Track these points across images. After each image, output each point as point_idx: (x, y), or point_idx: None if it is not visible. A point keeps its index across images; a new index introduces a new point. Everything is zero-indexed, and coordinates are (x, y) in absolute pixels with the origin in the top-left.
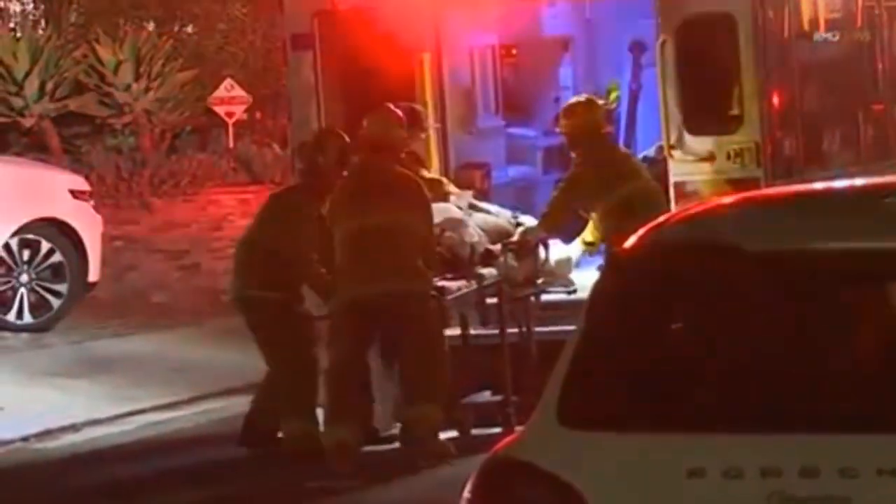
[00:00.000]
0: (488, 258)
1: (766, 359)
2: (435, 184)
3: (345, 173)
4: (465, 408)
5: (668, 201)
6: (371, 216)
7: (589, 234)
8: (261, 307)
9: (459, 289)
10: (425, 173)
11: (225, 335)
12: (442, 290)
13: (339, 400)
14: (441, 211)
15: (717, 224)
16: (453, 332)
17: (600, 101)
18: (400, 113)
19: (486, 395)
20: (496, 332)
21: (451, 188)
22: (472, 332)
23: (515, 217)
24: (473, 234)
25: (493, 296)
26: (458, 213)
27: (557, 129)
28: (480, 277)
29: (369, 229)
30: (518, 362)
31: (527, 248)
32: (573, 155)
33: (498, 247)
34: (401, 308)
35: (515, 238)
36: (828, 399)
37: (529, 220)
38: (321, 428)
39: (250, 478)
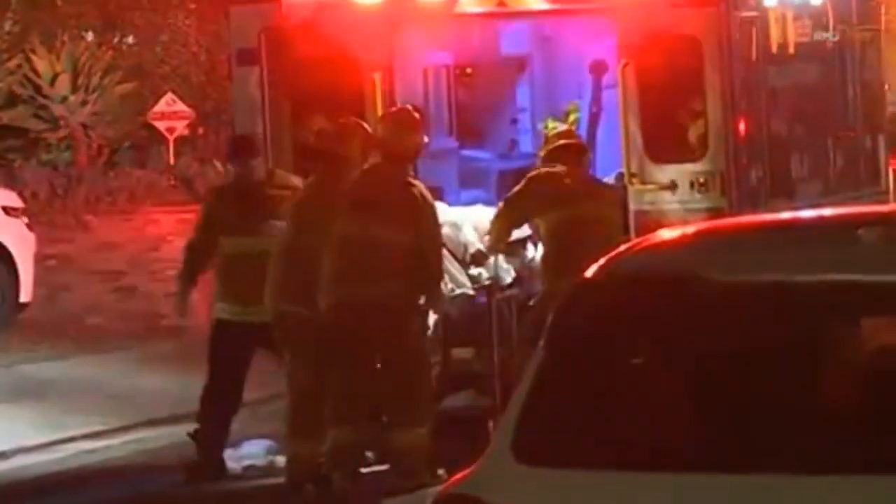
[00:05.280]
0: (479, 258)
1: (728, 395)
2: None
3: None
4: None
5: (627, 230)
6: (370, 229)
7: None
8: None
9: (452, 290)
10: None
11: (161, 360)
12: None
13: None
14: (439, 210)
15: (680, 254)
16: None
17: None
18: (417, 115)
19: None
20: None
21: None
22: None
23: None
24: (468, 233)
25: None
26: (454, 214)
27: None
28: (473, 280)
29: (365, 240)
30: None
31: (514, 247)
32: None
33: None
34: (383, 319)
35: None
36: (791, 438)
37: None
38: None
39: None
